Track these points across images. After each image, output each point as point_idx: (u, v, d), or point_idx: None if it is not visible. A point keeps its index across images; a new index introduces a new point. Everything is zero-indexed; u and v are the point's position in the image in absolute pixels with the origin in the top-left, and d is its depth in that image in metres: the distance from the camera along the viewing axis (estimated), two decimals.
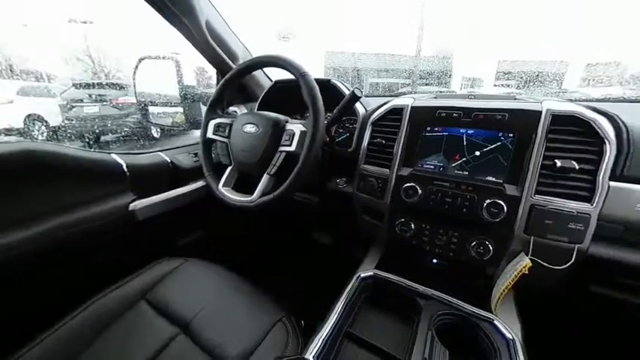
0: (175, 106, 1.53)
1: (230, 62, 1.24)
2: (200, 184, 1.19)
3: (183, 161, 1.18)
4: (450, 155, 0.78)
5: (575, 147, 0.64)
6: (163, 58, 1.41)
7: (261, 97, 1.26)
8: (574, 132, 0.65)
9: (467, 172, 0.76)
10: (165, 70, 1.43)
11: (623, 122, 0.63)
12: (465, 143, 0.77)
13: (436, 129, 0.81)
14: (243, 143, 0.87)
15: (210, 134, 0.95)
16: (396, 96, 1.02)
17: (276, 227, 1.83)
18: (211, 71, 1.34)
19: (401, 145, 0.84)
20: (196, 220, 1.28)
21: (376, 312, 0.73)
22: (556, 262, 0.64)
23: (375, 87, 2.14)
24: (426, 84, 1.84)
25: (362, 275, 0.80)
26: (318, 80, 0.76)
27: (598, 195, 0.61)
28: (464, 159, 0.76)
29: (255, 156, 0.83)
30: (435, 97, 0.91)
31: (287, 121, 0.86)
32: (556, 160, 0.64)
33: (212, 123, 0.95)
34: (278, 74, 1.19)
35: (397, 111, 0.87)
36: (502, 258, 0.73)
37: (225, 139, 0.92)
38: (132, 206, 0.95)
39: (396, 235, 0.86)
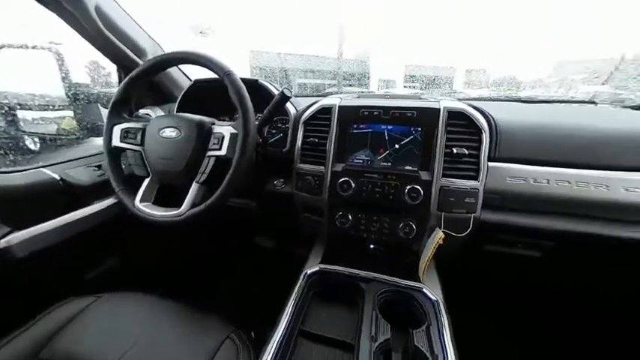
0: (61, 109, 1.23)
1: (135, 57, 1.07)
2: (109, 202, 0.99)
3: (80, 177, 0.96)
4: (376, 149, 0.87)
5: (464, 137, 0.80)
6: (34, 47, 1.11)
7: (179, 98, 1.13)
8: (462, 125, 0.80)
9: (390, 163, 0.86)
10: (40, 63, 1.13)
11: (492, 117, 0.82)
12: (386, 138, 0.86)
13: (362, 126, 0.89)
14: (163, 150, 0.76)
15: (116, 142, 0.80)
16: (324, 96, 1.07)
17: (213, 238, 1.69)
18: (110, 67, 1.13)
19: (333, 142, 0.89)
20: (108, 246, 1.07)
21: (326, 305, 0.76)
22: (460, 231, 0.79)
23: (303, 87, 2.19)
24: (349, 85, 1.99)
25: (308, 272, 0.82)
26: (245, 80, 0.72)
27: (481, 174, 0.78)
28: (387, 152, 0.86)
29: (180, 163, 0.74)
30: (358, 97, 1.00)
31: (213, 124, 0.80)
32: (453, 148, 0.79)
33: (117, 128, 0.80)
34: (198, 72, 1.09)
35: (326, 110, 0.91)
36: (423, 235, 0.85)
37: (137, 147, 0.79)
38: (4, 242, 0.72)
39: (337, 228, 0.91)
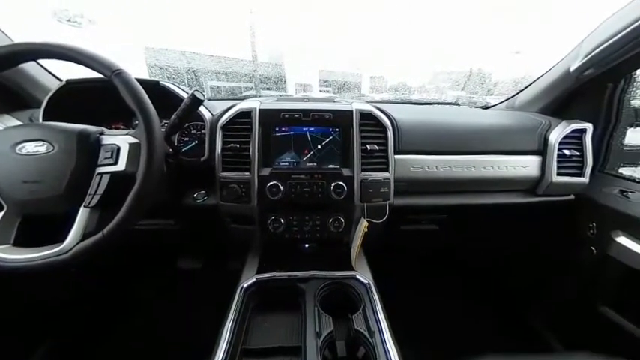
0: None
1: None
2: None
3: None
4: (300, 151, 0.89)
5: (374, 135, 0.91)
6: None
7: (45, 103, 0.87)
8: (372, 124, 0.92)
9: (315, 164, 0.89)
10: None
11: (393, 117, 0.96)
12: (309, 139, 0.90)
13: (284, 129, 0.89)
14: (25, 171, 0.58)
15: None
16: (241, 99, 1.02)
17: (117, 271, 1.38)
18: None
19: (256, 147, 0.86)
20: None
21: (268, 315, 0.73)
22: (380, 218, 0.90)
23: (216, 90, 2.03)
24: (267, 88, 1.97)
25: (244, 285, 0.77)
26: (141, 81, 0.61)
27: (391, 166, 0.91)
28: (311, 152, 0.90)
29: (57, 186, 0.58)
30: (277, 100, 1.00)
31: (102, 134, 0.65)
32: (367, 146, 0.88)
33: None
34: (68, 71, 0.87)
35: (246, 114, 0.88)
36: (351, 226, 0.93)
37: None
38: None
39: (270, 234, 0.89)
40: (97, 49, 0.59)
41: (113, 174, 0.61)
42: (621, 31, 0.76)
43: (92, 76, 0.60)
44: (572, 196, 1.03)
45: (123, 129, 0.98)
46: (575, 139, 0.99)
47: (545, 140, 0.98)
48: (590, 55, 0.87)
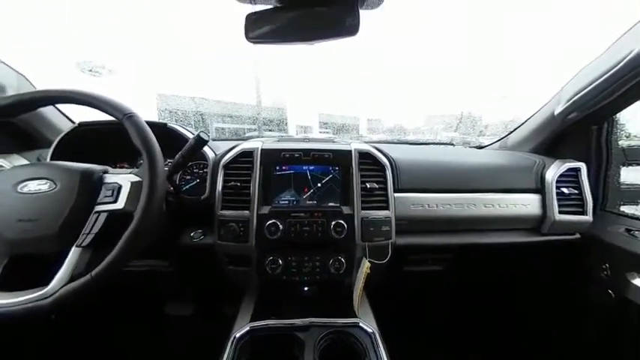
0: None
1: None
2: None
3: None
4: (300, 189, 0.90)
5: (373, 173, 0.93)
6: None
7: (55, 143, 0.91)
8: (370, 163, 0.94)
9: (315, 201, 0.89)
10: None
11: (390, 156, 0.99)
12: (309, 177, 0.91)
13: (284, 168, 0.91)
14: (22, 209, 0.57)
15: None
16: (244, 140, 1.06)
17: (102, 317, 1.27)
18: None
19: (257, 185, 0.87)
20: None
21: None
22: (382, 258, 0.87)
23: (221, 131, 2.13)
24: (270, 130, 2.07)
25: (237, 336, 0.70)
26: (150, 123, 0.65)
27: (391, 204, 0.90)
28: (311, 190, 0.90)
29: (52, 224, 0.56)
30: (279, 141, 1.04)
31: (106, 172, 0.66)
32: (367, 184, 0.89)
33: None
34: (82, 114, 0.92)
35: (248, 154, 0.90)
36: (353, 267, 0.89)
37: None
38: None
39: (268, 275, 0.85)
40: (112, 95, 0.64)
41: (111, 212, 0.60)
42: (599, 77, 0.83)
43: (103, 119, 0.63)
44: (578, 235, 1.01)
45: (127, 168, 1.00)
46: (571, 177, 1.00)
47: (542, 178, 0.99)
48: (571, 101, 0.93)
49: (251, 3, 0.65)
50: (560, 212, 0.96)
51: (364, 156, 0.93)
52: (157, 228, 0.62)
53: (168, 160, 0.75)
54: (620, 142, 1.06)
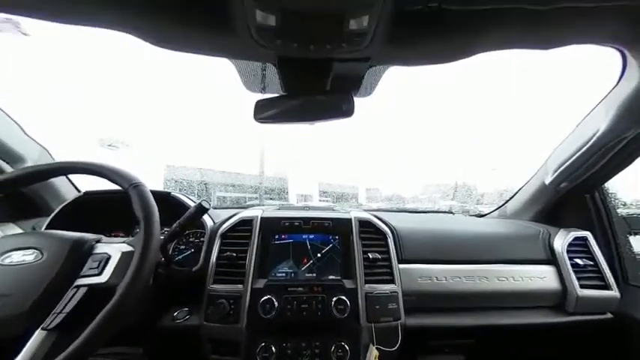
0: None
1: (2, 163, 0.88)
2: None
3: None
4: (299, 260, 0.85)
5: (375, 242, 0.90)
6: None
7: (55, 212, 0.91)
8: (371, 232, 0.92)
9: (314, 274, 0.83)
10: None
11: (391, 224, 0.98)
12: (309, 247, 0.87)
13: (283, 236, 0.89)
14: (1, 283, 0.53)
15: None
16: (245, 208, 1.07)
17: None
18: None
19: (254, 255, 0.83)
20: None
21: None
22: (392, 345, 0.75)
23: (223, 200, 2.17)
24: (270, 198, 2.11)
25: None
26: (155, 193, 0.66)
27: (396, 276, 0.84)
28: (311, 261, 0.85)
29: (23, 302, 0.51)
30: (279, 209, 1.04)
31: (99, 241, 0.64)
32: (369, 254, 0.85)
33: None
34: (88, 183, 0.95)
35: (247, 222, 0.89)
36: (359, 356, 0.76)
37: None
38: None
39: None
40: (124, 166, 0.67)
41: (92, 287, 0.55)
42: (577, 151, 0.89)
43: (108, 188, 0.65)
44: (609, 315, 0.90)
45: (122, 236, 0.98)
46: (580, 246, 0.96)
47: (552, 248, 0.96)
48: (558, 171, 0.98)
49: (261, 92, 0.76)
50: (582, 287, 0.89)
51: (364, 224, 0.92)
52: (138, 306, 0.55)
53: (165, 229, 0.74)
54: (618, 211, 1.06)
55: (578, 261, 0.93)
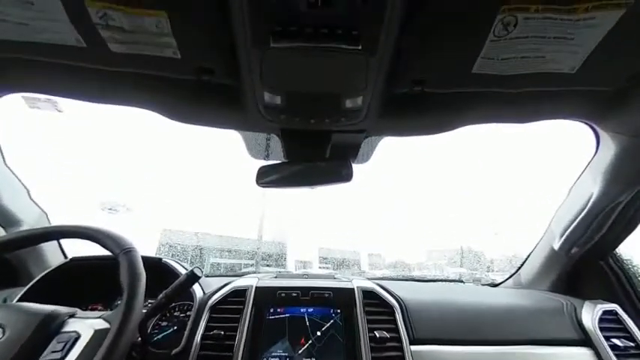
0: None
1: None
2: None
3: None
4: (296, 340, 0.74)
5: (381, 318, 0.80)
6: None
7: (34, 282, 0.83)
8: (377, 304, 0.83)
9: (314, 359, 0.71)
10: None
11: (398, 296, 0.89)
12: (307, 324, 0.77)
13: (279, 310, 0.80)
14: None
15: None
16: (239, 276, 1.00)
17: None
18: None
19: (244, 333, 0.72)
20: None
21: None
22: None
23: (216, 267, 2.05)
24: (267, 265, 2.00)
25: None
26: (145, 259, 0.62)
27: None
28: (309, 342, 0.74)
29: None
30: (276, 277, 0.97)
31: (73, 315, 0.57)
32: (375, 332, 0.75)
33: None
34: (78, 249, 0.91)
35: (240, 293, 0.82)
36: None
37: None
38: None
39: None
40: (119, 230, 0.65)
41: None
42: (578, 215, 0.88)
43: (99, 254, 0.62)
44: None
45: (100, 310, 0.88)
46: (612, 322, 0.86)
47: (581, 325, 0.85)
48: (565, 236, 0.95)
49: (264, 159, 0.81)
50: None
51: (369, 295, 0.84)
52: None
53: (149, 301, 0.67)
54: None
55: (617, 342, 0.81)
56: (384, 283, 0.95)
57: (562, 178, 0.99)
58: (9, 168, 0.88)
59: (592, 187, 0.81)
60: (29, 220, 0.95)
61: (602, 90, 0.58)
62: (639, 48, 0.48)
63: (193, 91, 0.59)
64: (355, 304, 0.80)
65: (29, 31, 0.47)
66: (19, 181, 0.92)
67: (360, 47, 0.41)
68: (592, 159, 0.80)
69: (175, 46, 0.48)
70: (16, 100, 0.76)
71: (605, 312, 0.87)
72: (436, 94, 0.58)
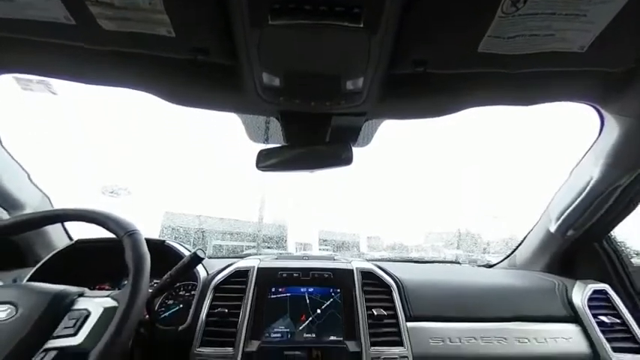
0: None
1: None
2: None
3: None
4: (297, 317, 0.78)
5: (379, 297, 0.83)
6: None
7: (42, 262, 0.86)
8: (375, 284, 0.86)
9: (314, 334, 0.75)
10: None
11: (395, 276, 0.92)
12: (307, 302, 0.80)
13: (280, 290, 0.83)
14: None
15: None
16: (241, 257, 1.02)
17: None
18: None
19: (247, 311, 0.76)
20: None
21: None
22: None
23: (219, 249, 2.09)
24: (268, 247, 2.04)
25: None
26: (149, 241, 0.64)
27: (404, 337, 0.75)
28: (310, 319, 0.77)
29: None
30: (277, 258, 0.99)
31: (82, 295, 0.59)
32: (373, 310, 0.78)
33: None
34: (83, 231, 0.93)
35: (242, 273, 0.84)
36: None
37: None
38: None
39: None
40: (122, 213, 0.66)
41: (62, 350, 0.49)
42: (576, 198, 0.89)
43: (103, 236, 0.63)
44: None
45: (108, 289, 0.91)
46: (601, 301, 0.89)
47: (571, 303, 0.88)
48: (561, 219, 0.97)
49: (264, 142, 0.80)
50: (615, 350, 0.79)
51: (367, 276, 0.87)
52: None
53: (155, 281, 0.69)
54: (633, 260, 1.01)
55: (604, 318, 0.85)
56: (382, 264, 0.98)
57: (563, 161, 0.98)
58: (7, 151, 0.87)
59: (593, 170, 0.81)
60: (32, 203, 0.95)
61: (610, 71, 0.56)
62: None
63: (190, 72, 0.57)
64: (354, 284, 0.83)
65: (14, 7, 0.44)
66: (19, 164, 0.92)
67: (361, 25, 0.39)
68: (595, 141, 0.79)
69: (169, 23, 0.45)
70: (8, 81, 0.74)
71: (595, 291, 0.90)
72: (439, 75, 0.56)
